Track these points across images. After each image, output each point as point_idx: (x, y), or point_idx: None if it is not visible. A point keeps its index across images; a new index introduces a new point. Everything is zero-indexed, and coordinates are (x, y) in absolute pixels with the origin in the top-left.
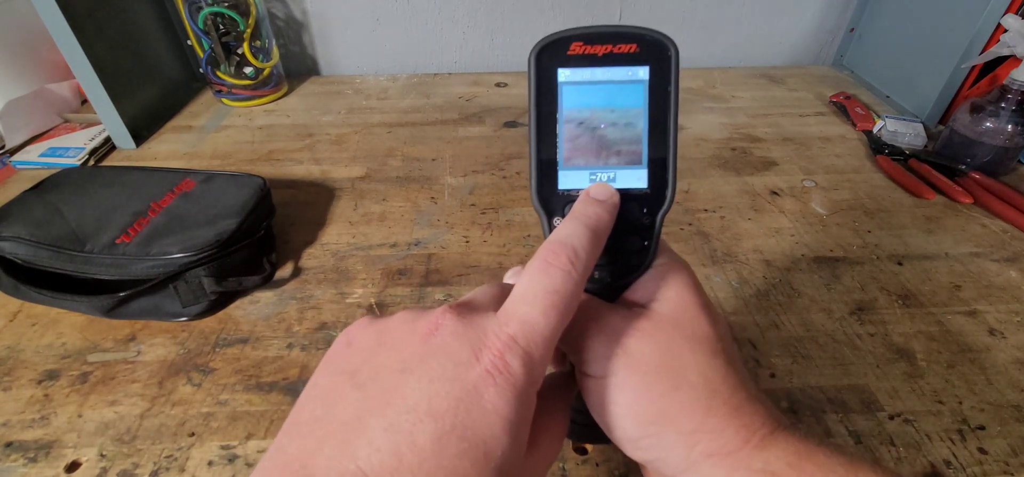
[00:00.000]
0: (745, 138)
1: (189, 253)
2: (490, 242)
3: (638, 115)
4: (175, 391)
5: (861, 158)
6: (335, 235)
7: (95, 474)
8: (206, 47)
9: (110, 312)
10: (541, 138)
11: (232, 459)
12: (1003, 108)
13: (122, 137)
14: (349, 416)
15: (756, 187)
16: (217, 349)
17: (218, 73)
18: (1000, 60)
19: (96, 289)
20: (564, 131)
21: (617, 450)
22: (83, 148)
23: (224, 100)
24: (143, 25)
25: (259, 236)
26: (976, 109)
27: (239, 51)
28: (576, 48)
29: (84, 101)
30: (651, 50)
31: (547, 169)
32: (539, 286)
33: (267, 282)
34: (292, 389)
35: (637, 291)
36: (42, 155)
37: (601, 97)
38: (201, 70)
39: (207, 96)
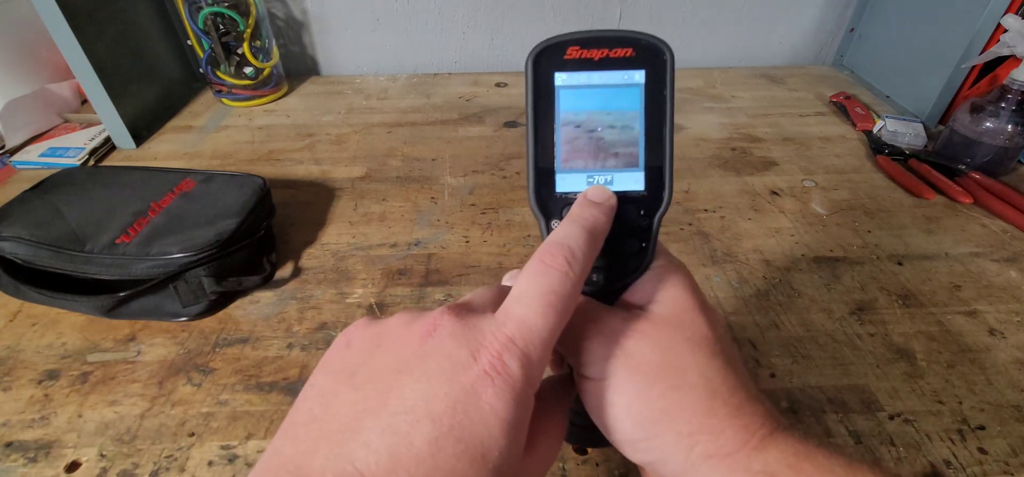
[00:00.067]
0: (745, 138)
1: (189, 253)
2: (490, 242)
3: (634, 118)
4: (175, 391)
5: (861, 158)
6: (335, 235)
7: (95, 474)
8: (206, 47)
9: (110, 312)
10: (538, 142)
11: (232, 459)
12: (1003, 108)
13: (122, 137)
14: (346, 417)
15: (756, 187)
16: (217, 349)
17: (218, 73)
18: (1000, 60)
19: (96, 289)
20: (561, 134)
21: (617, 451)
22: (83, 148)
23: (224, 100)
24: (143, 25)
25: (259, 236)
26: (976, 109)
27: (239, 51)
28: (573, 52)
29: (84, 101)
30: (647, 54)
31: (544, 172)
32: (536, 287)
33: (267, 282)
34: (292, 389)
35: (635, 293)
36: (42, 155)
37: (598, 101)
38: (201, 70)
39: (207, 96)
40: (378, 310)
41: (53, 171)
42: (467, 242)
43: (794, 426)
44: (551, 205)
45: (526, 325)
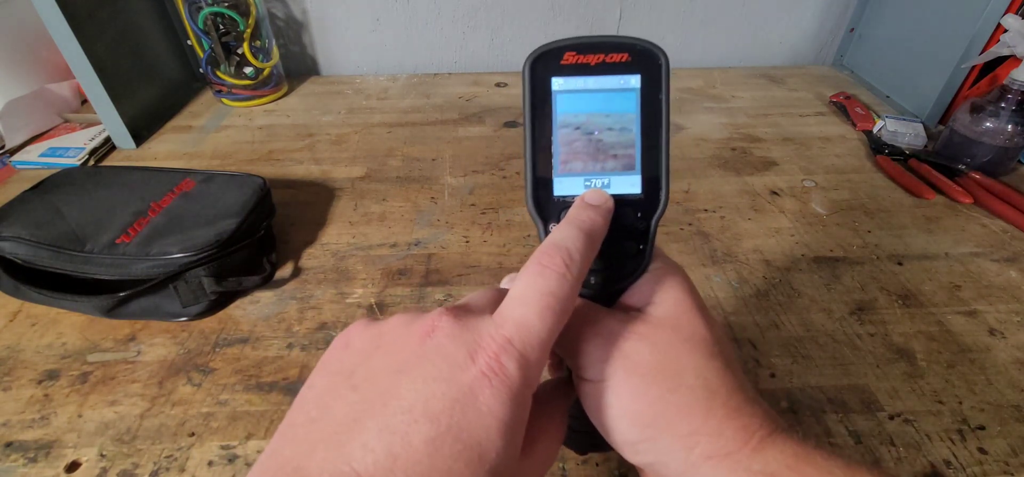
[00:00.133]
0: (745, 138)
1: (189, 253)
2: (490, 242)
3: (631, 122)
4: (175, 391)
5: (861, 158)
6: (335, 235)
7: (95, 474)
8: (206, 47)
9: (110, 312)
10: (536, 146)
11: (232, 459)
12: (1003, 108)
13: (122, 137)
14: (344, 418)
15: (756, 187)
16: (217, 349)
17: (218, 73)
18: (1000, 60)
19: (96, 289)
20: (559, 138)
21: (616, 452)
22: (83, 148)
23: (224, 100)
24: (143, 25)
25: (259, 236)
26: (976, 109)
27: (239, 51)
28: (569, 58)
29: (84, 101)
30: (642, 59)
31: (542, 176)
32: (534, 289)
33: (267, 282)
34: (292, 389)
35: (633, 295)
36: (42, 155)
37: (594, 105)
38: (201, 70)
39: (207, 96)
40: (378, 310)
41: (53, 171)
42: (467, 242)
43: (793, 427)
44: (549, 208)
45: (524, 326)
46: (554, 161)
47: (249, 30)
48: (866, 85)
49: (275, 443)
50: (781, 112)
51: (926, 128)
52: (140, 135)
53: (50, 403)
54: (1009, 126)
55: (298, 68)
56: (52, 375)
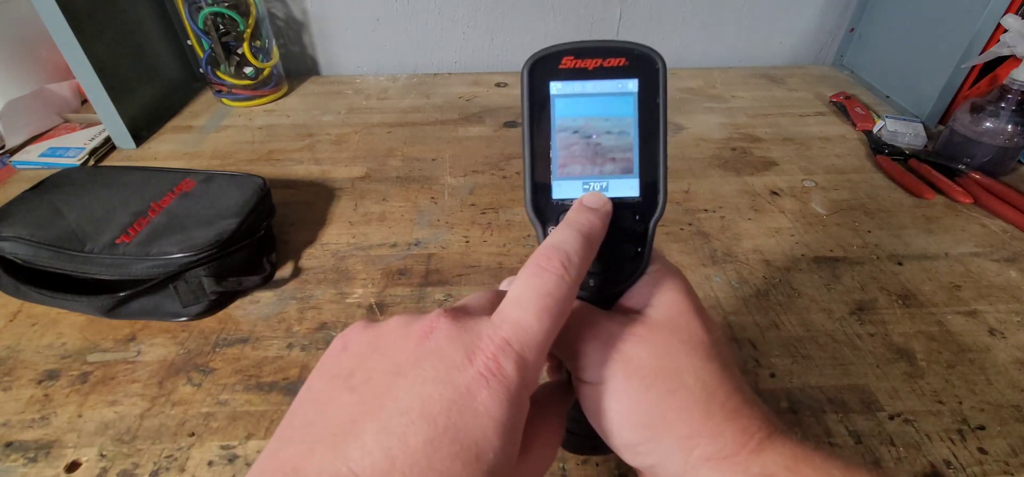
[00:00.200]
0: (745, 138)
1: (189, 253)
2: (490, 242)
3: (628, 126)
4: (175, 391)
5: (861, 158)
6: (335, 235)
7: (95, 474)
8: (206, 47)
9: (110, 312)
10: (535, 150)
11: (232, 459)
12: (1003, 108)
13: (122, 137)
14: (342, 419)
15: (756, 187)
16: (217, 349)
17: (218, 73)
18: (1000, 60)
19: (96, 289)
20: (557, 142)
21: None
22: (83, 148)
23: (224, 100)
24: (143, 25)
25: (259, 236)
26: (976, 109)
27: (239, 51)
28: (567, 62)
29: (84, 101)
30: (639, 63)
31: (541, 180)
32: (532, 290)
33: (267, 282)
34: (292, 389)
35: (631, 298)
36: (42, 155)
37: (592, 109)
38: (201, 70)
39: (207, 96)
40: (378, 310)
41: (53, 171)
42: (467, 242)
43: (792, 428)
44: (547, 212)
45: (522, 328)
46: (552, 165)
47: (249, 30)
48: (866, 85)
49: (273, 444)
50: (781, 112)
51: (926, 128)
52: (140, 135)
53: (50, 403)
54: (1009, 126)
55: (298, 68)
56: (52, 375)
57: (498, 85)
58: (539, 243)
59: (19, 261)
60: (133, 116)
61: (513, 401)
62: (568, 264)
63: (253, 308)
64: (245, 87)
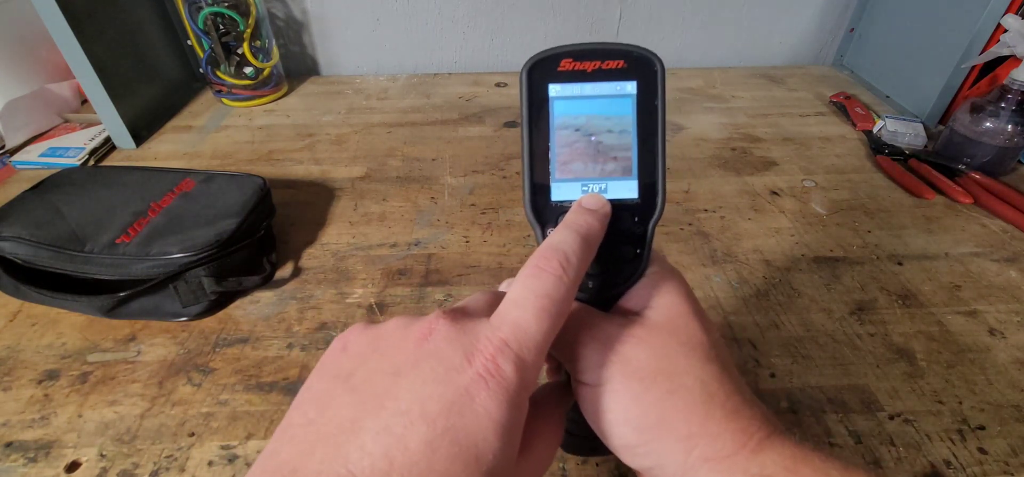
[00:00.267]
0: (745, 138)
1: (189, 253)
2: (490, 242)
3: (627, 128)
4: (175, 391)
5: (861, 158)
6: (335, 235)
7: (95, 474)
8: (206, 47)
9: (110, 312)
10: (534, 152)
11: (232, 459)
12: (1003, 108)
13: (122, 137)
14: (341, 420)
15: (756, 187)
16: (217, 349)
17: (218, 73)
18: (1000, 60)
19: (96, 289)
20: (556, 144)
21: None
22: (83, 148)
23: (224, 100)
24: (143, 25)
25: (259, 236)
26: (976, 109)
27: (239, 51)
28: (566, 64)
29: (84, 101)
30: (638, 66)
31: (540, 182)
32: (531, 291)
33: (267, 282)
34: (292, 389)
35: (630, 299)
36: (42, 155)
37: (591, 111)
38: (201, 70)
39: (207, 96)
40: (378, 310)
41: (53, 171)
42: (467, 242)
43: (791, 429)
44: (546, 213)
45: (520, 328)
46: (551, 167)
47: (249, 30)
48: (866, 85)
49: (273, 444)
50: (781, 112)
51: (926, 128)
52: (140, 135)
53: (50, 403)
54: (1009, 126)
55: (298, 68)
56: (52, 375)
57: (498, 85)
58: (538, 244)
59: (19, 261)
60: (133, 116)
61: (512, 402)
62: (567, 265)
63: (253, 308)
64: (245, 87)
